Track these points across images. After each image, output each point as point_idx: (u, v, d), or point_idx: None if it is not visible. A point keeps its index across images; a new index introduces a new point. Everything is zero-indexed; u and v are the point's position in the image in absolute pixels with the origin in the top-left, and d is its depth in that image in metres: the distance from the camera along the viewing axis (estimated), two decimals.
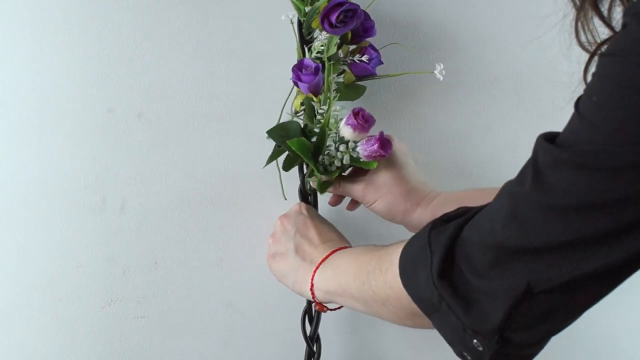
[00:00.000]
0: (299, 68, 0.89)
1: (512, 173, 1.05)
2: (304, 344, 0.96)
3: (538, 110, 1.04)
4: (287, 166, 0.93)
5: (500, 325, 0.59)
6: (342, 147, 0.88)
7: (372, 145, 0.86)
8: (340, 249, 0.84)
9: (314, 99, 0.89)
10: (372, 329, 1.06)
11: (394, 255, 0.70)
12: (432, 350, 1.06)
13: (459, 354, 0.65)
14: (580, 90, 0.62)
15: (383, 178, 0.89)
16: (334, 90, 0.89)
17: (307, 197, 0.96)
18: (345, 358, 1.05)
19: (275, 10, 0.97)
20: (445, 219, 0.67)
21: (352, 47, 0.93)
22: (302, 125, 0.92)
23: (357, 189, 0.90)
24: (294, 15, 0.90)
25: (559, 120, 1.03)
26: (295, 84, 0.90)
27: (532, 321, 0.59)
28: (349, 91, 0.92)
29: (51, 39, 0.95)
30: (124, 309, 1.00)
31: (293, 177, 0.97)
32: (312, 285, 0.83)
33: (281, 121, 0.93)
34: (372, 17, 0.93)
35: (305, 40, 0.92)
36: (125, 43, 0.96)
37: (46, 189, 0.97)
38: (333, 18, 0.86)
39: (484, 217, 0.62)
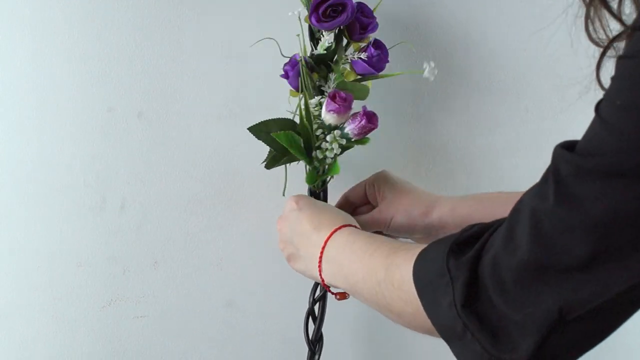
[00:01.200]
0: (288, 64, 0.90)
1: (512, 173, 1.05)
2: (305, 343, 0.96)
3: (538, 110, 1.05)
4: (270, 164, 0.92)
5: (531, 356, 0.56)
6: (329, 137, 0.88)
7: (360, 121, 0.87)
8: (333, 233, 0.82)
9: (294, 93, 0.89)
10: (377, 331, 1.06)
11: (404, 269, 0.67)
12: (438, 353, 1.06)
13: None
14: (591, 86, 0.60)
15: (389, 197, 0.91)
16: (333, 88, 0.89)
17: (318, 195, 0.95)
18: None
19: (276, 9, 0.97)
20: (462, 241, 0.63)
21: (363, 45, 0.92)
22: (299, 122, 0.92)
23: (371, 218, 0.91)
24: (300, 11, 0.90)
25: (559, 120, 1.04)
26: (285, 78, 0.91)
27: (564, 349, 0.57)
28: (354, 91, 0.91)
29: (51, 38, 0.95)
30: (124, 308, 1.00)
31: (295, 175, 0.97)
32: (323, 281, 0.82)
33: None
34: (375, 15, 0.92)
35: (315, 37, 0.92)
36: (125, 43, 0.96)
37: (46, 188, 0.97)
38: (320, 11, 0.86)
39: (506, 236, 0.59)
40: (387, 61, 0.93)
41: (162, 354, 1.01)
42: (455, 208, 0.87)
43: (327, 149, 0.89)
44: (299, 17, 0.89)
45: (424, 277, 0.65)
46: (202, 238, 1.01)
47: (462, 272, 0.60)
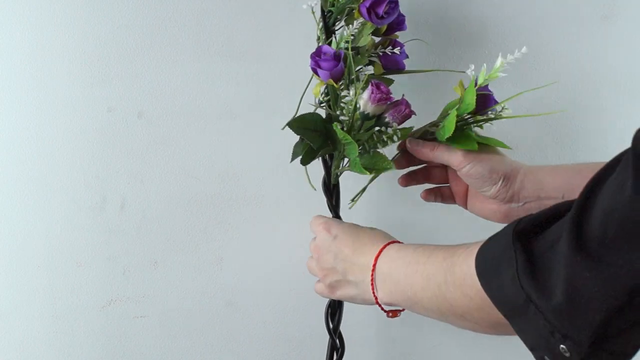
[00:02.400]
0: (317, 55, 0.88)
1: None
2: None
3: (538, 110, 1.04)
4: (306, 160, 0.89)
5: (596, 330, 0.55)
6: (390, 130, 0.87)
7: (404, 110, 0.87)
8: (380, 253, 0.81)
9: (335, 85, 0.88)
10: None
11: (465, 265, 0.66)
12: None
13: (539, 359, 0.60)
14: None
15: (482, 150, 0.84)
16: (362, 82, 0.88)
17: (330, 188, 0.93)
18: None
19: (276, 9, 0.97)
20: (530, 220, 0.62)
21: (377, 39, 0.92)
22: (325, 116, 0.90)
23: (456, 156, 0.85)
24: (315, 3, 0.89)
25: (559, 119, 1.04)
26: (315, 71, 0.89)
27: (631, 328, 0.55)
28: None
29: (51, 38, 0.95)
30: (124, 308, 1.00)
31: (297, 172, 0.96)
32: (377, 300, 0.81)
33: (299, 113, 0.90)
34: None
35: (329, 30, 0.91)
36: (125, 43, 0.96)
37: (46, 188, 0.97)
38: (380, 9, 0.86)
39: (574, 224, 0.56)
40: (407, 56, 0.92)
41: (162, 354, 1.01)
42: (541, 172, 0.84)
43: (380, 141, 0.88)
44: (312, 10, 0.89)
45: (487, 259, 0.64)
46: (202, 238, 1.01)
47: (526, 246, 0.59)
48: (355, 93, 0.86)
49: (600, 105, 1.02)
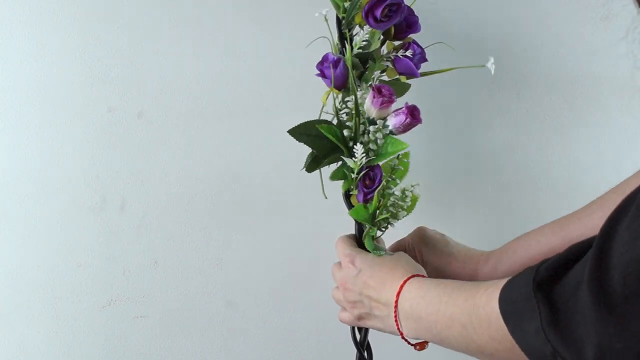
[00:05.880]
0: (321, 63, 0.88)
1: (512, 172, 1.05)
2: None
3: (538, 110, 1.05)
4: (311, 167, 0.88)
5: None
6: (372, 127, 0.86)
7: (405, 119, 0.85)
8: (400, 290, 0.81)
9: (336, 92, 0.88)
10: None
11: (489, 308, 0.67)
12: None
13: None
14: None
15: (431, 262, 0.91)
16: (368, 86, 0.88)
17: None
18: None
19: (276, 9, 0.98)
20: (549, 266, 0.63)
21: (397, 43, 0.91)
22: (336, 123, 0.90)
23: None
24: (327, 11, 0.89)
25: (559, 119, 1.04)
26: (322, 77, 0.89)
27: None
28: (394, 88, 0.90)
29: (51, 38, 0.95)
30: (124, 308, 1.00)
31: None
32: (402, 335, 0.82)
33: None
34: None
35: (344, 36, 0.90)
36: (125, 43, 0.96)
37: (46, 188, 0.97)
38: (378, 13, 0.85)
39: (594, 267, 0.57)
40: (426, 60, 0.92)
41: (162, 353, 1.01)
42: (496, 269, 0.88)
43: (370, 141, 0.87)
44: (326, 18, 0.88)
45: (510, 305, 0.65)
46: (202, 238, 1.01)
47: (548, 295, 0.60)
48: (355, 98, 0.85)
49: (600, 105, 1.02)
